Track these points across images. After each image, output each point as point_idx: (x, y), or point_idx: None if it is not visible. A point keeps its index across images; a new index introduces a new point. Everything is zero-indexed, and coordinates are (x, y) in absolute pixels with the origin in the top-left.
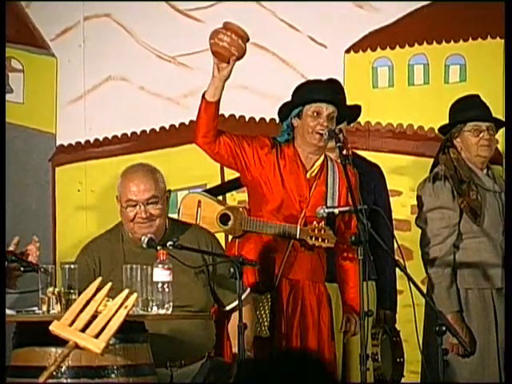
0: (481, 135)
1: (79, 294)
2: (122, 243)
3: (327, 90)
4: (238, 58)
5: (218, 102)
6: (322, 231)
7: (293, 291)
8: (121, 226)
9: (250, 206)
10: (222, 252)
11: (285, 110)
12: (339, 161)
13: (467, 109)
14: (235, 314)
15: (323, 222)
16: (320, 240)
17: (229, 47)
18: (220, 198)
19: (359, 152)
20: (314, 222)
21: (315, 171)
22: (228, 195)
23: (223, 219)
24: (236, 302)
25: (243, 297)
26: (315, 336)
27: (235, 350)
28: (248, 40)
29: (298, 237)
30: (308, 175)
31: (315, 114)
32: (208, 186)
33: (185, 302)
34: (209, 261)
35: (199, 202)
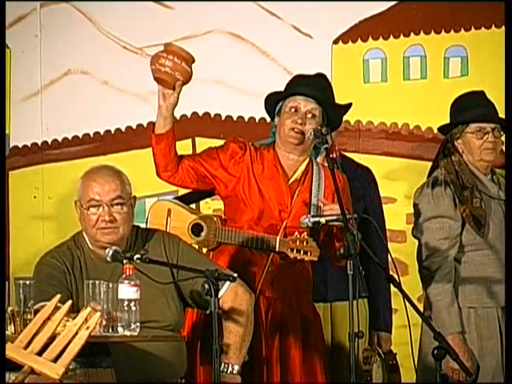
0: (485, 137)
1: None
2: (83, 254)
3: (308, 84)
4: (184, 83)
5: (171, 129)
6: (304, 243)
7: (270, 311)
8: (80, 235)
9: (227, 216)
10: (195, 256)
11: (269, 108)
12: (326, 164)
13: (470, 107)
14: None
15: (305, 233)
16: (302, 253)
17: (172, 72)
18: (193, 206)
19: (348, 154)
20: (296, 233)
21: (298, 176)
22: (202, 203)
23: (195, 230)
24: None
25: (225, 287)
26: (299, 361)
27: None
28: (193, 61)
29: (277, 249)
30: (290, 181)
31: (292, 110)
32: (180, 193)
33: (150, 316)
34: (178, 274)
35: (169, 210)
